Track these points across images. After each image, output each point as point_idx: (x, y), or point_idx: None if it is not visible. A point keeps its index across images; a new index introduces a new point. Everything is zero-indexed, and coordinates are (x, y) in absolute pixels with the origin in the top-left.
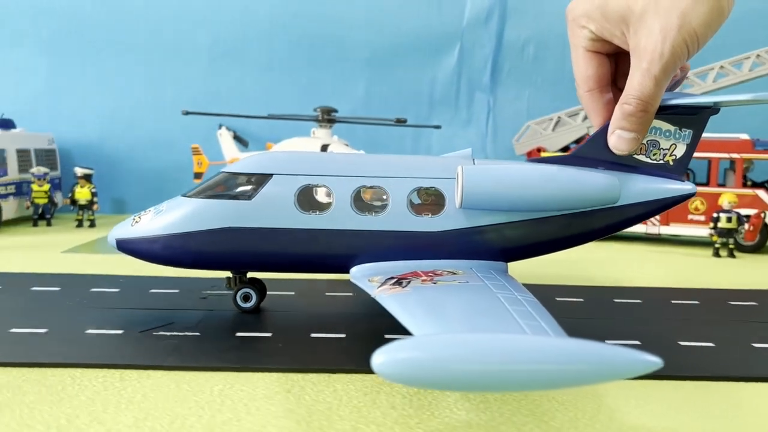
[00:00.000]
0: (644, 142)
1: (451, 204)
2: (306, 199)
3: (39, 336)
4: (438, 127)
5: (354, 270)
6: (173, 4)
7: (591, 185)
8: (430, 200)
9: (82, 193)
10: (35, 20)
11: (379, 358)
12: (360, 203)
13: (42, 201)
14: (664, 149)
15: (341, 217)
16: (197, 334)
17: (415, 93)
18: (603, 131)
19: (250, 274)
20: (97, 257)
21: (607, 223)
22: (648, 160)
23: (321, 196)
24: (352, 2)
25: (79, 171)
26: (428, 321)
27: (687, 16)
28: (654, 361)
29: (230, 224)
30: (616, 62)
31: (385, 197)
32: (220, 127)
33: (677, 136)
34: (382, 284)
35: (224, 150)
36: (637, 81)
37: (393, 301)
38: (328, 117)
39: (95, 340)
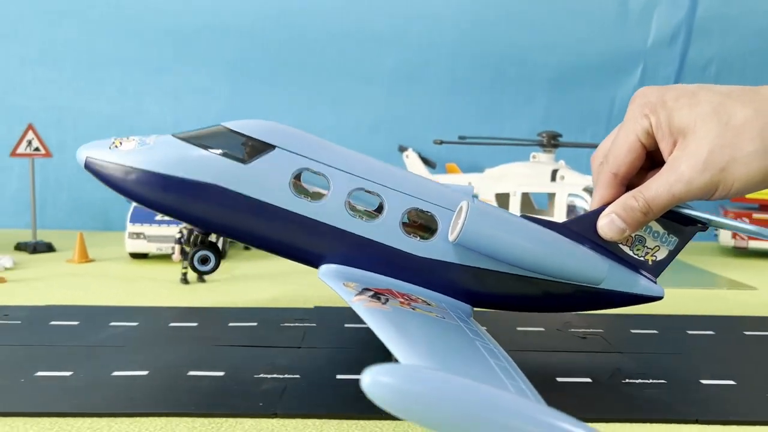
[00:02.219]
0: (632, 235)
1: (443, 235)
2: (300, 183)
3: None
4: None
5: (324, 268)
6: (360, 28)
7: (586, 263)
8: (419, 223)
9: None
10: (220, 42)
11: (369, 378)
12: (353, 204)
13: None
14: (648, 248)
15: (331, 212)
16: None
17: (593, 112)
18: (597, 213)
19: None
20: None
21: (579, 300)
22: (630, 253)
23: (314, 184)
24: (539, 27)
25: None
26: (415, 350)
27: (736, 164)
28: None
29: (218, 182)
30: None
31: (379, 206)
32: (404, 149)
33: (663, 239)
34: (360, 293)
35: (411, 171)
36: (656, 187)
37: (373, 316)
38: (554, 142)
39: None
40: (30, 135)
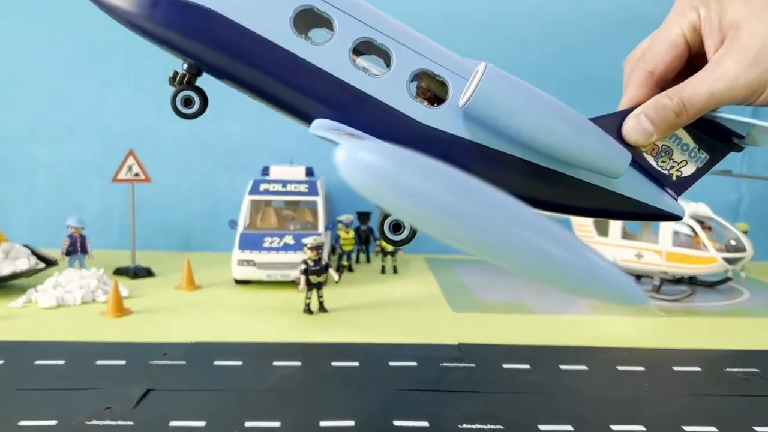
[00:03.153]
0: (659, 144)
1: (453, 104)
2: (304, 22)
3: None
4: None
5: (317, 122)
6: None
7: (607, 146)
8: (429, 90)
9: None
10: None
11: (343, 154)
12: (358, 55)
13: (349, 248)
14: (674, 161)
15: (332, 59)
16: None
17: None
18: (623, 115)
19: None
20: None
21: (590, 200)
22: (654, 164)
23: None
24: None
25: None
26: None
27: None
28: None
29: (214, 7)
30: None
31: (388, 62)
32: None
33: (693, 154)
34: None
35: None
36: (695, 84)
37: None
38: None
39: None
40: (131, 161)
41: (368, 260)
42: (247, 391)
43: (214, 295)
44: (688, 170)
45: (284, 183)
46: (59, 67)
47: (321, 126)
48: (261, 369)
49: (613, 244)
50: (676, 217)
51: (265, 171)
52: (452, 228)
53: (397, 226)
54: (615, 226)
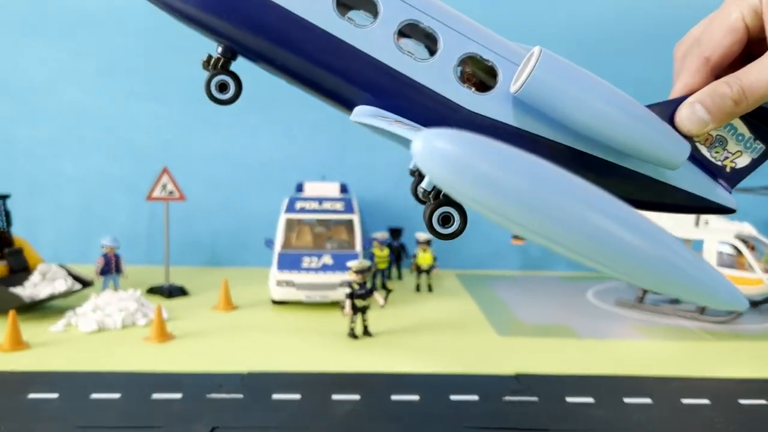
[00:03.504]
0: (713, 134)
1: (503, 90)
2: (345, 4)
3: None
4: None
5: (358, 109)
6: None
7: (667, 136)
8: (475, 76)
9: (425, 258)
10: None
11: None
12: (403, 39)
13: (383, 266)
14: (728, 151)
15: (377, 43)
16: None
17: None
18: (677, 103)
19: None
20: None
21: (642, 193)
22: (707, 155)
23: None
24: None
25: (422, 236)
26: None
27: None
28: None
29: None
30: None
31: (434, 46)
32: None
33: (748, 145)
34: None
35: None
36: (758, 71)
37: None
38: None
39: None
40: (165, 179)
41: (400, 277)
42: (310, 429)
43: (252, 316)
44: (742, 161)
45: (320, 201)
46: (85, 81)
47: (364, 113)
48: (320, 403)
49: None
50: (729, 210)
51: (300, 188)
52: (543, 221)
53: (446, 219)
54: None
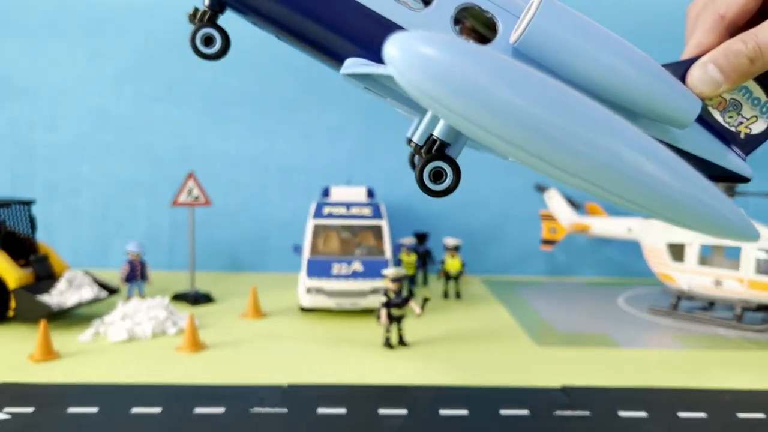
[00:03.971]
0: (726, 97)
1: (502, 41)
2: None
3: None
4: None
5: (349, 61)
6: None
7: (676, 90)
8: (474, 30)
9: (453, 264)
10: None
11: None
12: None
13: (411, 272)
14: (743, 116)
15: None
16: None
17: (762, 155)
18: (689, 63)
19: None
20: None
21: None
22: (720, 120)
23: None
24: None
25: (451, 242)
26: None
27: None
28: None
29: None
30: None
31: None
32: (544, 189)
33: (764, 110)
34: None
35: (557, 213)
36: None
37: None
38: (733, 192)
39: None
40: (191, 184)
41: (426, 282)
42: None
43: (283, 324)
44: (758, 127)
45: (348, 206)
46: (104, 85)
47: (354, 64)
48: (368, 418)
49: (690, 270)
50: (742, 179)
51: (325, 192)
52: (546, 144)
53: (438, 175)
54: (691, 251)
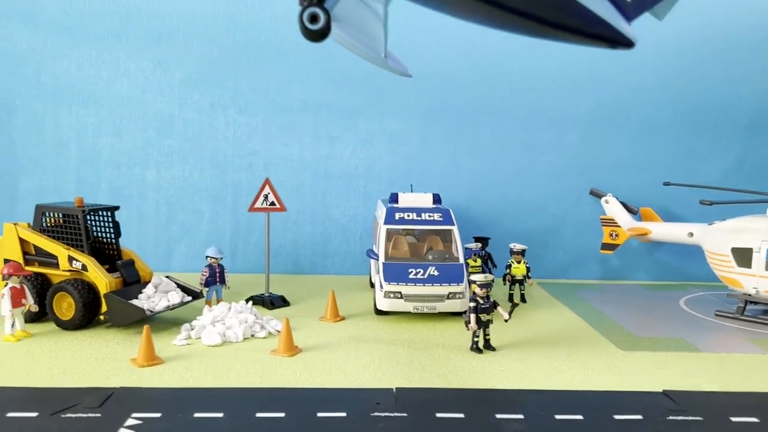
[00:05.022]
0: None
1: None
2: None
3: None
4: None
5: None
6: (557, 73)
7: None
8: None
9: (519, 269)
10: (414, 87)
11: None
12: None
13: None
14: None
15: None
16: None
17: None
18: None
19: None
20: None
21: (543, 14)
22: None
23: None
24: (737, 71)
25: (517, 246)
26: None
27: None
28: None
29: None
30: None
31: None
32: (597, 194)
33: None
34: None
35: (617, 218)
36: None
37: None
38: None
39: None
40: (266, 190)
41: None
42: None
43: (363, 327)
44: None
45: (419, 212)
46: (170, 92)
47: None
48: (485, 423)
49: (757, 275)
50: (629, 43)
51: (394, 198)
52: None
53: (313, 18)
54: (758, 257)
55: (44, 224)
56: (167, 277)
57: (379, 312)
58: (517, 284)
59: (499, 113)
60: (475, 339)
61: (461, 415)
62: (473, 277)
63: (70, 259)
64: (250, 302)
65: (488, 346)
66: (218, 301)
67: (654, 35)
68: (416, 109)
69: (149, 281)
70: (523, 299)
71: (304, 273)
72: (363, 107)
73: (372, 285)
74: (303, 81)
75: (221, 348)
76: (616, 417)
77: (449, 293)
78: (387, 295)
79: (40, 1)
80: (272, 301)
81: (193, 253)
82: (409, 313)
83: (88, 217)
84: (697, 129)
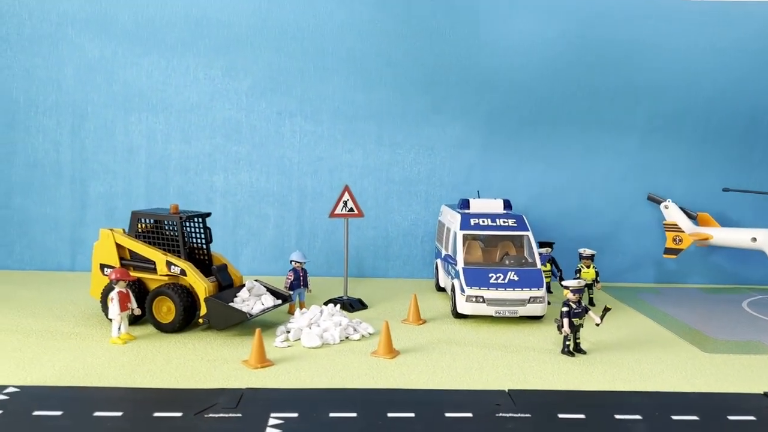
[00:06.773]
0: None
1: None
2: None
3: None
4: None
5: None
6: (616, 82)
7: None
8: None
9: (589, 273)
10: (476, 94)
11: None
12: None
13: (547, 280)
14: None
15: None
16: None
17: None
18: None
19: None
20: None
21: None
22: None
23: None
24: None
25: (586, 251)
26: None
27: None
28: None
29: None
30: None
31: None
32: (655, 199)
33: None
34: None
35: (680, 223)
36: None
37: None
38: None
39: None
40: (346, 196)
41: (549, 290)
42: None
43: (447, 330)
44: None
45: (493, 217)
46: (237, 100)
47: None
48: (606, 424)
49: None
50: None
51: (465, 204)
52: None
53: None
54: None
55: (138, 230)
56: (257, 281)
57: (458, 315)
58: (586, 288)
59: (558, 119)
60: (567, 342)
61: (582, 416)
62: (566, 283)
63: (168, 264)
64: (338, 305)
65: (579, 349)
66: (301, 304)
67: (712, 45)
68: (477, 115)
69: (241, 285)
70: (591, 302)
71: (366, 276)
72: (425, 114)
73: (438, 289)
74: (368, 89)
75: (321, 350)
76: (730, 418)
77: (530, 297)
78: (469, 299)
79: (111, 11)
80: (351, 304)
81: (259, 256)
82: (489, 316)
83: (185, 224)
84: (751, 136)
